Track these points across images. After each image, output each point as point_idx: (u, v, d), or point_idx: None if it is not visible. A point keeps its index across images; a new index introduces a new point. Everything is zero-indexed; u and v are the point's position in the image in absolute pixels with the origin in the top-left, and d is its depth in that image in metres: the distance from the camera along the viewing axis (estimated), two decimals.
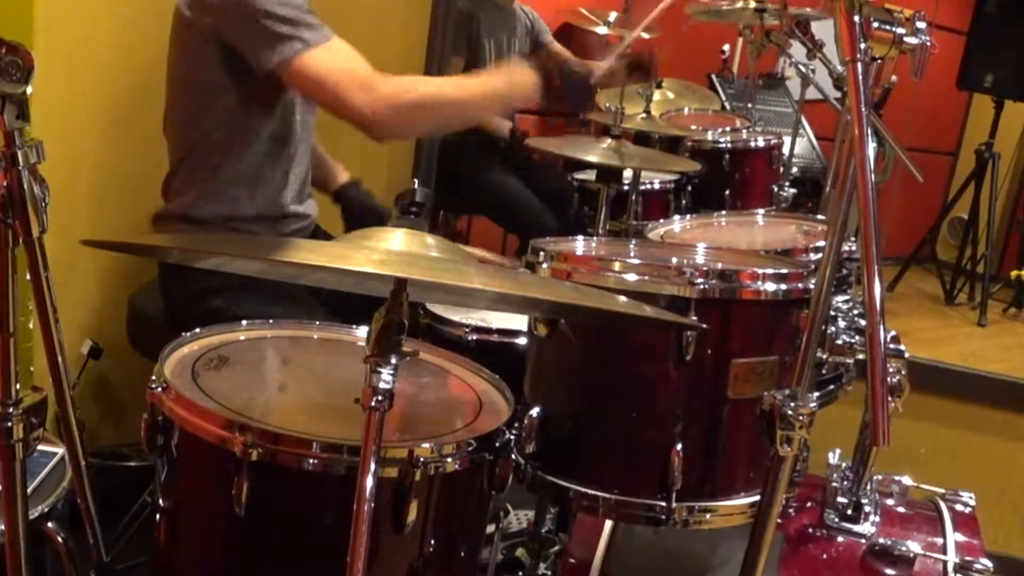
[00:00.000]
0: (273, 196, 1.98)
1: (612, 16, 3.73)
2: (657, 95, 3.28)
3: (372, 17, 2.17)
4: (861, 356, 1.47)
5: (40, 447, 1.18)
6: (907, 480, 1.80)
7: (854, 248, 1.78)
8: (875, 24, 1.26)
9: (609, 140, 2.21)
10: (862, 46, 1.11)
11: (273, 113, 1.92)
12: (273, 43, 1.74)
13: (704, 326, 1.32)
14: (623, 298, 1.27)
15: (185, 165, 1.95)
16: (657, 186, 2.96)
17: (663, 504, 1.37)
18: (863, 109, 1.09)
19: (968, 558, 1.58)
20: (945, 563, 1.58)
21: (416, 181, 1.23)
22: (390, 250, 1.09)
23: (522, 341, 1.83)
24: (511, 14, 3.59)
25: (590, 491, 1.41)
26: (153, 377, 1.25)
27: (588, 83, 1.92)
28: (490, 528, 1.63)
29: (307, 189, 2.09)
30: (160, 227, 2.00)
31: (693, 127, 3.32)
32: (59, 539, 1.43)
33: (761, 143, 3.07)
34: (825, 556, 1.63)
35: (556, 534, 1.99)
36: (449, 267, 1.08)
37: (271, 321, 1.57)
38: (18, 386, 1.12)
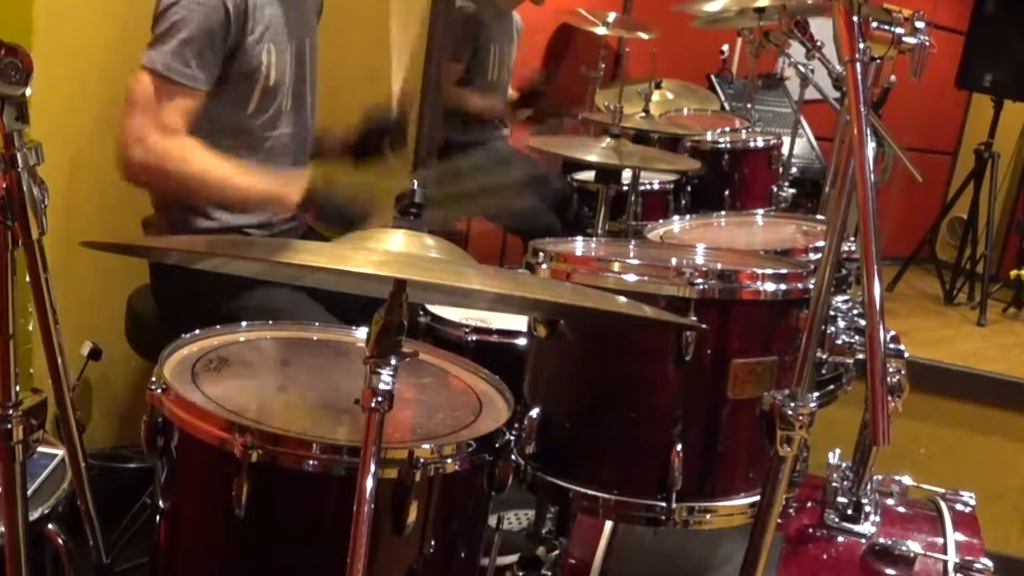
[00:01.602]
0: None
1: (611, 16, 3.73)
2: (656, 95, 3.30)
3: (371, 17, 2.16)
4: (861, 356, 1.47)
5: (40, 449, 1.18)
6: (907, 480, 1.80)
7: (853, 248, 1.78)
8: (874, 24, 1.26)
9: (608, 139, 2.22)
10: (861, 46, 1.11)
11: (251, 123, 1.91)
12: (160, 46, 1.77)
13: (703, 326, 1.32)
14: (623, 298, 1.27)
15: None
16: (656, 186, 2.96)
17: (663, 504, 1.37)
18: (862, 109, 1.09)
19: (968, 558, 1.58)
20: (945, 563, 1.58)
21: (416, 182, 1.23)
22: (389, 251, 1.09)
23: (522, 341, 1.83)
24: (510, 20, 3.59)
25: (590, 491, 1.41)
26: (153, 378, 1.25)
27: (353, 218, 1.78)
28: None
29: None
30: (148, 233, 2.00)
31: (692, 127, 3.32)
32: (59, 540, 1.43)
33: (760, 143, 3.08)
34: (825, 556, 1.63)
35: (556, 535, 1.99)
36: (448, 268, 1.08)
37: (271, 322, 1.57)
38: (18, 388, 1.12)
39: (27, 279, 1.10)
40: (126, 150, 1.75)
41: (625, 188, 2.67)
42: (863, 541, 1.64)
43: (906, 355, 1.47)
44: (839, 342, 1.46)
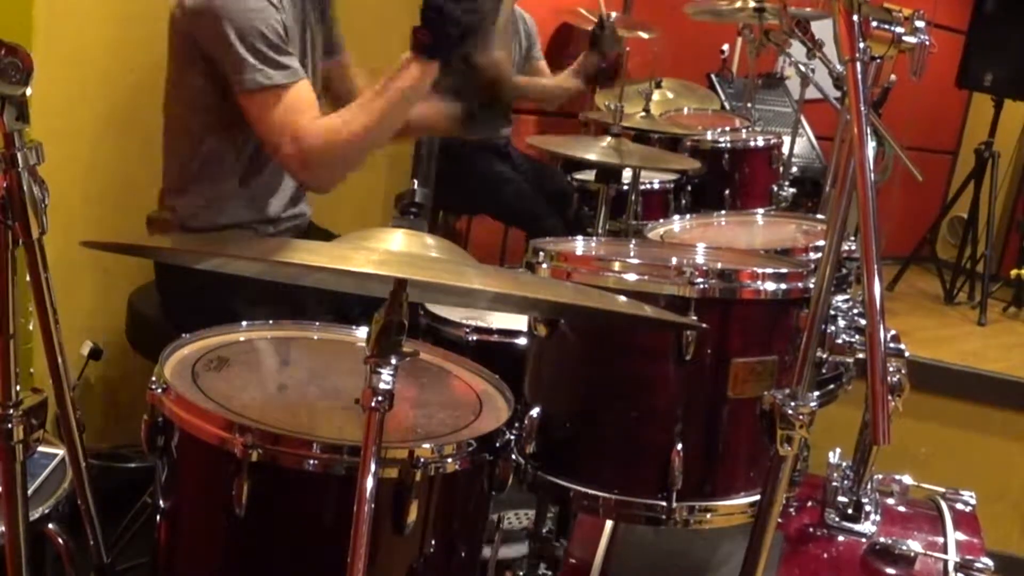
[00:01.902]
0: (263, 204, 1.97)
1: (612, 16, 3.73)
2: (657, 95, 3.30)
3: (372, 17, 2.17)
4: (861, 355, 1.46)
5: (40, 448, 1.18)
6: (907, 479, 1.80)
7: (854, 247, 1.78)
8: (874, 23, 1.26)
9: (609, 139, 2.22)
10: (861, 45, 1.11)
11: None
12: (238, 68, 1.75)
13: (704, 325, 1.32)
14: (623, 298, 1.27)
15: (177, 170, 1.95)
16: (657, 186, 2.97)
17: (663, 504, 1.37)
18: (862, 108, 1.09)
19: (969, 557, 1.57)
20: (946, 562, 1.58)
21: (416, 181, 1.23)
22: (389, 251, 1.09)
23: (522, 341, 1.83)
24: (518, 19, 3.59)
25: (590, 491, 1.41)
26: (153, 378, 1.25)
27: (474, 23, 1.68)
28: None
29: (302, 192, 2.08)
30: (152, 231, 2.00)
31: (692, 127, 3.32)
32: (59, 540, 1.43)
33: (761, 143, 3.08)
34: (825, 555, 1.63)
35: (556, 535, 1.99)
36: (448, 268, 1.08)
37: (271, 322, 1.57)
38: (18, 387, 1.12)
39: (27, 278, 1.10)
40: (306, 168, 1.77)
41: (625, 187, 2.67)
42: (863, 540, 1.64)
43: (906, 354, 1.47)
44: (839, 341, 1.46)
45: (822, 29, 1.54)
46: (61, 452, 1.50)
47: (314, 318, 1.64)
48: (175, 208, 1.96)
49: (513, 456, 1.28)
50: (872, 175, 1.08)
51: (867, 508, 1.68)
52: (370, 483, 1.01)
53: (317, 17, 2.02)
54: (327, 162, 1.78)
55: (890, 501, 1.76)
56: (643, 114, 2.74)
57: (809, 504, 1.73)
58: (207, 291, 1.88)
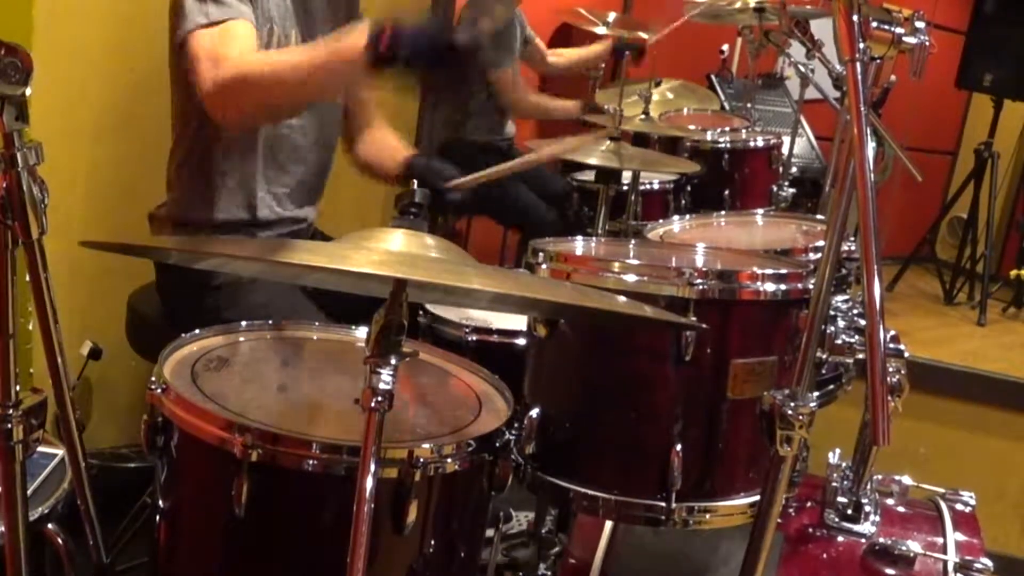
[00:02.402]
0: (262, 201, 1.95)
1: (611, 16, 3.74)
2: (656, 95, 3.29)
3: (372, 16, 2.16)
4: (861, 356, 1.46)
5: (40, 448, 1.18)
6: (907, 480, 1.80)
7: (853, 248, 1.78)
8: (874, 24, 1.26)
9: (608, 142, 2.22)
10: (861, 46, 1.11)
11: None
12: (181, 21, 1.69)
13: (703, 326, 1.32)
14: (623, 298, 1.27)
15: (178, 166, 1.95)
16: (656, 186, 2.96)
17: (663, 504, 1.37)
18: (862, 109, 1.09)
19: (968, 557, 1.58)
20: (945, 563, 1.58)
21: (416, 182, 1.23)
22: (389, 251, 1.09)
23: (522, 341, 1.83)
24: (512, 23, 3.59)
25: (590, 491, 1.41)
26: (153, 378, 1.25)
27: (448, 41, 1.40)
28: (489, 531, 1.63)
29: (310, 194, 2.07)
30: (153, 228, 2.00)
31: (692, 127, 3.32)
32: (59, 540, 1.43)
33: (760, 143, 3.08)
34: (825, 556, 1.63)
35: (556, 535, 1.99)
36: (448, 268, 1.08)
37: (270, 322, 1.57)
38: (18, 387, 1.12)
39: (27, 278, 1.10)
40: (210, 90, 1.64)
41: (625, 188, 2.67)
42: (863, 541, 1.64)
43: (906, 355, 1.47)
44: (839, 342, 1.46)
45: (822, 29, 1.53)
46: (61, 452, 1.50)
47: (313, 319, 1.64)
48: (171, 201, 1.96)
49: (513, 456, 1.28)
50: (872, 175, 1.08)
51: (867, 508, 1.68)
52: (370, 483, 1.01)
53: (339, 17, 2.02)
54: (236, 91, 1.63)
55: (890, 501, 1.76)
56: (643, 117, 2.74)
57: (809, 504, 1.73)
58: (206, 292, 1.88)
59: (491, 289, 1.03)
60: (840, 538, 1.65)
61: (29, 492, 1.25)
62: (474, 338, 1.87)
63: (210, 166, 1.90)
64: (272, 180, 1.96)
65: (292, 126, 1.95)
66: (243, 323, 1.53)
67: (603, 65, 3.83)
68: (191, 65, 1.68)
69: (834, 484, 1.70)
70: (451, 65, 1.43)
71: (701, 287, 1.32)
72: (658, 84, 3.56)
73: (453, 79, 1.48)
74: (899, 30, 1.33)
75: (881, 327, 1.04)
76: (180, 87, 1.89)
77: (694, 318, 1.33)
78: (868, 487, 1.70)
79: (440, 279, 1.01)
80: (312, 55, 1.61)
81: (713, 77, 4.34)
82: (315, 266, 1.01)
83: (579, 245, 1.71)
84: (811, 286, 1.36)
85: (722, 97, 4.18)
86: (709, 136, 3.07)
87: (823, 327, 1.37)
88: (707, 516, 1.40)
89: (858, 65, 1.11)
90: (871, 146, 1.10)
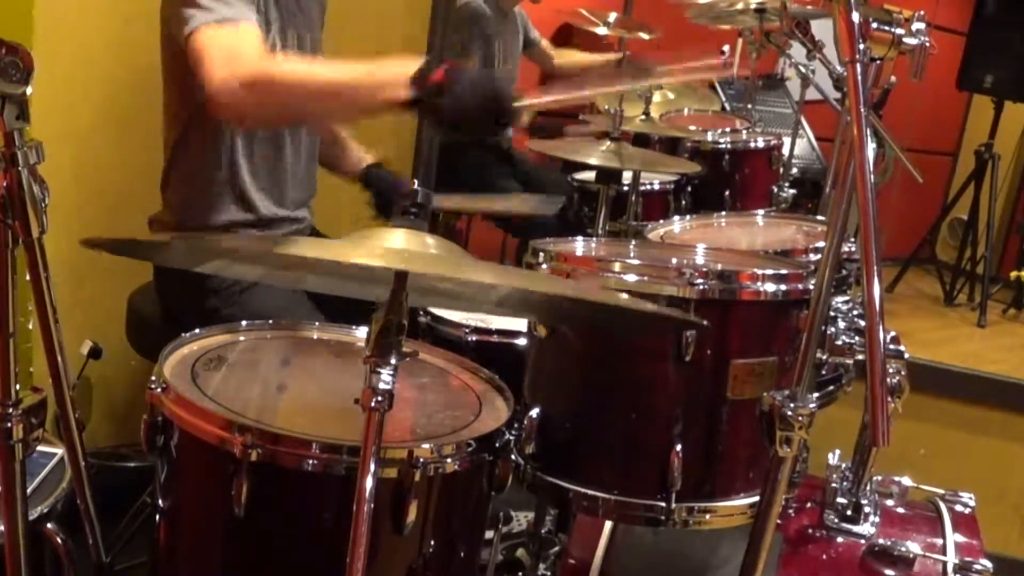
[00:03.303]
0: (254, 202, 1.94)
1: (612, 17, 3.73)
2: (657, 96, 3.29)
3: (372, 17, 2.17)
4: (861, 357, 1.46)
5: (39, 448, 1.18)
6: (907, 481, 1.80)
7: (854, 249, 1.78)
8: (874, 25, 1.26)
9: (609, 142, 2.22)
10: (861, 47, 1.11)
11: None
12: (184, 21, 1.65)
13: (705, 323, 1.32)
14: (624, 295, 1.26)
15: (171, 168, 1.95)
16: (657, 187, 2.96)
17: (663, 505, 1.37)
18: (862, 110, 1.09)
19: (968, 559, 1.58)
20: (945, 564, 1.58)
21: (416, 181, 1.23)
22: (390, 247, 1.08)
23: (522, 341, 1.83)
24: (514, 15, 3.60)
25: (590, 492, 1.41)
26: (153, 377, 1.25)
27: (499, 90, 1.44)
28: (489, 533, 1.63)
29: (304, 194, 2.07)
30: (154, 230, 2.00)
31: (693, 128, 3.32)
32: (58, 540, 1.43)
33: (761, 144, 3.07)
34: (825, 557, 1.63)
35: (556, 535, 1.99)
36: (449, 263, 1.08)
37: (270, 322, 1.57)
38: (18, 386, 1.12)
39: (27, 278, 1.10)
40: (221, 89, 1.58)
41: (625, 188, 2.67)
42: (862, 542, 1.64)
43: (906, 356, 1.47)
44: (839, 343, 1.46)
45: (822, 30, 1.53)
46: (60, 451, 1.50)
47: (313, 320, 1.64)
48: (169, 204, 1.96)
49: (513, 456, 1.28)
50: (872, 176, 1.08)
51: (866, 509, 1.68)
52: (369, 483, 1.01)
53: (318, 22, 2.02)
54: (261, 90, 1.59)
55: (889, 502, 1.76)
56: (643, 117, 2.74)
57: (808, 505, 1.73)
58: (204, 293, 1.88)
59: (493, 282, 1.03)
60: (839, 539, 1.65)
61: (29, 491, 1.25)
62: (474, 338, 1.87)
63: (200, 170, 1.90)
64: (262, 179, 1.96)
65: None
66: (243, 323, 1.53)
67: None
68: (198, 60, 1.62)
69: (834, 485, 1.70)
70: (491, 116, 1.44)
71: (701, 287, 1.32)
72: (659, 85, 3.56)
73: (486, 128, 1.49)
74: (899, 31, 1.33)
75: (881, 328, 1.04)
76: (172, 92, 1.89)
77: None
78: (868, 488, 1.70)
79: (441, 271, 1.01)
80: (351, 75, 1.58)
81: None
82: (314, 259, 1.01)
83: (579, 245, 1.71)
84: (811, 287, 1.36)
85: (723, 98, 4.18)
86: (710, 137, 3.07)
87: (823, 328, 1.37)
88: (707, 516, 1.40)
89: (858, 66, 1.11)
90: (871, 147, 1.10)
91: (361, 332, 1.57)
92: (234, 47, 1.62)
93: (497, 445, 1.25)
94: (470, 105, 1.44)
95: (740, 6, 3.04)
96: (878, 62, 1.23)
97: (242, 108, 1.63)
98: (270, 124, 1.82)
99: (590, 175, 2.63)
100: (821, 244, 1.64)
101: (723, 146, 3.04)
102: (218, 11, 1.66)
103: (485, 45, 3.36)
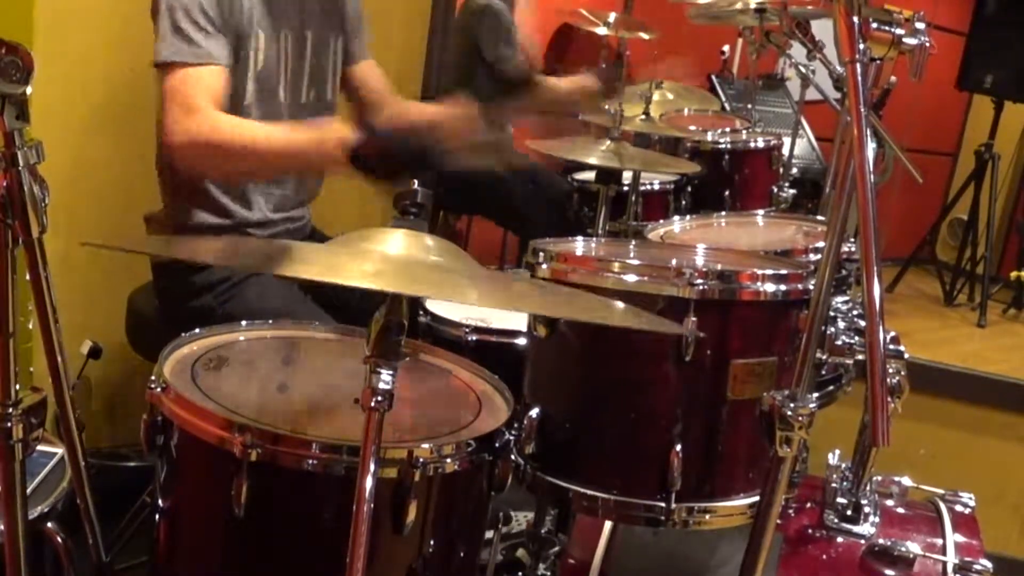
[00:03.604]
0: (248, 203, 1.94)
1: (612, 17, 3.73)
2: (657, 96, 3.29)
3: (372, 17, 2.17)
4: (861, 357, 1.46)
5: (39, 447, 1.18)
6: (907, 481, 1.80)
7: (853, 249, 1.78)
8: (874, 25, 1.26)
9: (609, 142, 2.22)
10: (861, 47, 1.11)
11: (247, 116, 1.86)
12: (158, 39, 1.74)
13: (701, 334, 1.32)
14: (620, 304, 1.26)
15: (161, 171, 1.95)
16: (657, 187, 2.96)
17: (662, 505, 1.37)
18: (862, 110, 1.09)
19: (968, 559, 1.58)
20: (944, 564, 1.58)
21: (416, 181, 1.23)
22: (386, 256, 1.08)
23: (522, 341, 1.83)
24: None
25: (590, 492, 1.41)
26: (152, 377, 1.25)
27: (429, 152, 1.58)
28: (489, 533, 1.63)
29: (302, 192, 2.06)
30: (150, 229, 2.00)
31: (693, 128, 3.32)
32: (58, 539, 1.43)
33: (761, 144, 3.08)
34: (824, 557, 1.63)
35: (556, 535, 1.99)
36: (445, 277, 1.07)
37: (271, 321, 1.57)
38: (17, 386, 1.12)
39: (27, 277, 1.10)
40: (175, 141, 1.70)
41: (625, 188, 2.67)
42: (862, 542, 1.64)
43: (906, 356, 1.47)
44: (839, 343, 1.46)
45: (822, 30, 1.53)
46: (60, 451, 1.50)
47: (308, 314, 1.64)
48: (165, 204, 1.96)
49: (512, 456, 1.28)
50: (872, 176, 1.08)
51: (866, 510, 1.68)
52: (369, 483, 1.01)
53: (332, 24, 2.02)
54: (206, 152, 1.71)
55: (889, 503, 1.76)
56: (643, 117, 2.74)
57: (808, 505, 1.73)
58: (198, 291, 1.88)
59: (488, 305, 1.03)
60: (839, 539, 1.65)
61: (29, 491, 1.25)
62: (474, 338, 1.87)
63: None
64: (269, 182, 1.96)
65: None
66: (243, 322, 1.54)
67: (603, 66, 3.82)
68: (162, 101, 1.73)
69: (834, 485, 1.70)
70: (428, 168, 1.58)
71: (701, 287, 1.32)
72: (659, 85, 3.56)
73: (417, 175, 1.58)
74: (899, 31, 1.33)
75: (881, 328, 1.04)
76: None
77: (694, 319, 1.33)
78: (868, 488, 1.70)
79: (434, 294, 1.01)
80: (290, 139, 1.70)
81: (714, 78, 4.34)
82: (308, 278, 1.01)
83: (579, 245, 1.71)
84: (811, 287, 1.36)
85: (723, 98, 4.18)
86: (710, 137, 3.07)
87: (823, 328, 1.37)
88: (707, 517, 1.40)
89: (858, 66, 1.11)
90: (871, 147, 1.10)
91: (361, 331, 1.57)
92: (192, 101, 1.71)
93: (497, 445, 1.25)
94: (398, 165, 1.57)
95: (740, 6, 3.04)
96: (878, 62, 1.23)
97: (191, 163, 1.75)
98: (218, 178, 1.88)
99: (590, 175, 2.63)
100: (821, 244, 1.64)
101: (723, 146, 3.04)
102: (188, 49, 1.73)
103: (508, 45, 3.36)
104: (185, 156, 1.73)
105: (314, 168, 1.76)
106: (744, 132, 3.34)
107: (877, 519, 1.68)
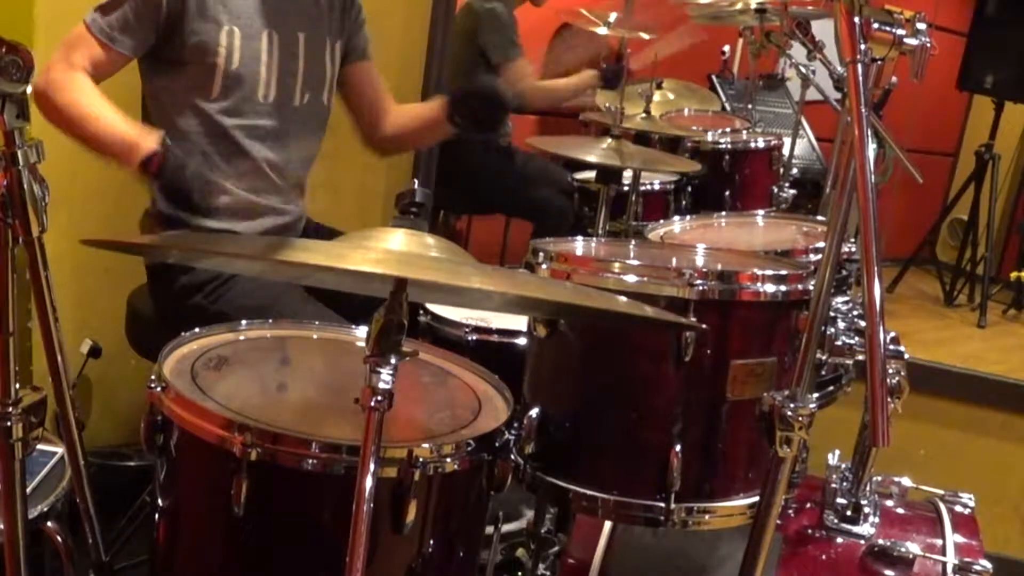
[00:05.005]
0: (233, 192, 1.93)
1: (612, 16, 3.73)
2: (657, 95, 3.30)
3: (372, 17, 2.17)
4: (861, 357, 1.46)
5: (39, 447, 1.19)
6: (906, 481, 1.80)
7: (854, 249, 1.78)
8: (875, 25, 1.26)
9: (609, 140, 2.22)
10: (862, 47, 1.11)
11: (212, 108, 1.88)
12: (91, 9, 1.84)
13: (703, 326, 1.32)
14: (623, 298, 1.27)
15: None
16: (657, 187, 2.96)
17: (662, 505, 1.37)
18: (863, 110, 1.09)
19: (967, 559, 1.58)
20: (944, 564, 1.58)
21: (416, 181, 1.23)
22: (389, 250, 1.09)
23: (522, 341, 1.83)
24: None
25: (589, 492, 1.41)
26: (152, 377, 1.25)
27: (193, 192, 1.73)
28: (489, 531, 1.64)
29: (294, 187, 2.05)
30: (143, 224, 2.00)
31: (693, 128, 3.32)
32: (58, 538, 1.44)
33: (761, 144, 3.08)
34: (824, 557, 1.63)
35: (556, 535, 1.99)
36: (448, 267, 1.08)
37: (270, 321, 1.57)
38: (17, 385, 1.12)
39: (27, 277, 1.10)
40: (36, 78, 1.76)
41: (626, 188, 2.67)
42: (862, 542, 1.64)
43: (906, 356, 1.47)
44: (839, 343, 1.46)
45: (823, 31, 1.53)
46: (60, 450, 1.51)
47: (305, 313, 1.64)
48: (152, 198, 1.95)
49: (512, 456, 1.28)
50: (872, 177, 1.08)
51: (866, 510, 1.68)
52: (369, 483, 1.01)
53: (329, 26, 2.02)
54: (44, 97, 1.79)
55: (889, 503, 1.76)
56: (643, 116, 2.75)
57: (808, 506, 1.73)
58: (188, 291, 1.88)
59: (491, 288, 1.03)
60: (839, 539, 1.65)
61: (28, 490, 1.26)
62: (474, 338, 1.87)
63: None
64: (253, 170, 1.95)
65: (257, 122, 1.93)
66: (243, 322, 1.54)
67: (603, 65, 3.83)
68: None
69: (833, 485, 1.70)
70: (196, 194, 1.74)
71: (701, 288, 1.32)
72: (660, 85, 3.56)
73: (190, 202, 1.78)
74: (900, 32, 1.33)
75: (881, 329, 1.04)
76: (145, 87, 1.95)
77: (694, 319, 1.33)
78: (867, 488, 1.70)
79: (440, 278, 1.02)
80: (101, 127, 1.77)
81: (714, 78, 4.34)
82: (314, 265, 1.01)
83: (579, 245, 1.71)
84: (811, 287, 1.36)
85: (723, 98, 4.18)
86: (710, 137, 3.07)
87: (823, 328, 1.37)
88: (706, 517, 1.41)
89: (859, 66, 1.11)
90: (872, 148, 1.10)
91: (361, 331, 1.57)
92: (73, 57, 1.81)
93: (496, 445, 1.25)
94: (175, 189, 1.74)
95: (740, 6, 3.04)
96: (879, 62, 1.23)
97: (39, 107, 1.80)
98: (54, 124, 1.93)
99: (590, 175, 2.63)
100: (821, 244, 1.64)
101: (723, 146, 3.03)
102: (106, 27, 1.82)
103: (514, 46, 3.36)
104: (37, 98, 1.77)
105: (111, 161, 1.81)
106: (744, 132, 3.34)
107: (877, 519, 1.68)
